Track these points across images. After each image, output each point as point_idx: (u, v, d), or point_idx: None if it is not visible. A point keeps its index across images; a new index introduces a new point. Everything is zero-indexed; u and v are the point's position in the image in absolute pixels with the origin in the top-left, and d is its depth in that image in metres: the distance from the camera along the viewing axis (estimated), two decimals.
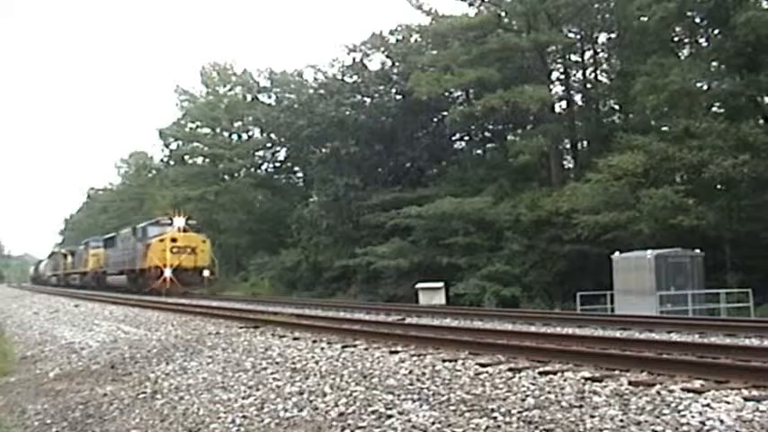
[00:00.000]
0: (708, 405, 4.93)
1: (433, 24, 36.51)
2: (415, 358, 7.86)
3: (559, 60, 35.22)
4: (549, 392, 5.73)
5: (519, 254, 28.11)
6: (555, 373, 6.45)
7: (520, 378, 6.39)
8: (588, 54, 35.44)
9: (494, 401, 5.61)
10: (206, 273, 30.52)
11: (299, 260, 40.01)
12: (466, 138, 41.15)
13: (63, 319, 19.47)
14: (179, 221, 31.65)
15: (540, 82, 31.71)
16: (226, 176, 52.81)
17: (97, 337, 13.65)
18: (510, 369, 6.80)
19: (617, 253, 21.60)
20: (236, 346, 10.22)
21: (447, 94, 37.14)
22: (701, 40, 29.61)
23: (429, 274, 28.06)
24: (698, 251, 21.37)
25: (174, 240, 30.49)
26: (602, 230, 24.47)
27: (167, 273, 29.13)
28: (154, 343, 11.65)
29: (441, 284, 24.07)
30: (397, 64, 41.11)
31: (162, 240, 30.36)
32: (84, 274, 45.39)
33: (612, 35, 33.82)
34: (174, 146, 57.41)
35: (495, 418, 5.17)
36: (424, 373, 6.90)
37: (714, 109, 27.37)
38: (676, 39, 29.58)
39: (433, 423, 5.19)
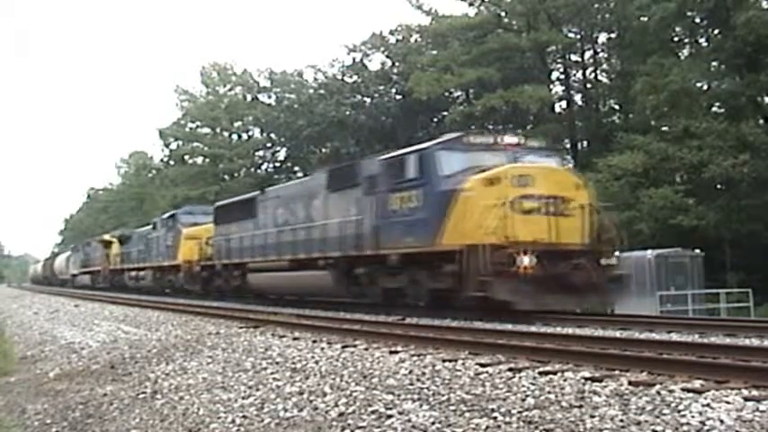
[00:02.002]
0: (708, 405, 4.92)
1: (433, 24, 36.55)
2: (415, 358, 7.86)
3: (559, 60, 35.26)
4: (549, 392, 5.73)
5: None
6: (555, 373, 6.44)
7: (520, 378, 6.39)
8: (588, 54, 35.49)
9: (494, 401, 5.61)
10: (612, 261, 13.27)
11: None
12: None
13: (63, 319, 19.48)
14: (511, 139, 14.23)
15: (540, 82, 31.76)
16: (226, 176, 52.82)
17: (97, 337, 13.66)
18: (510, 369, 6.80)
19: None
20: (236, 346, 10.22)
21: (447, 94, 37.18)
22: (701, 40, 29.65)
23: None
24: (698, 251, 21.36)
25: (522, 182, 12.74)
26: None
27: (525, 260, 11.94)
28: (154, 343, 11.65)
29: None
30: (397, 64, 41.15)
31: (497, 183, 12.60)
32: (165, 270, 28.69)
33: (612, 35, 33.86)
34: (174, 146, 57.45)
35: (495, 418, 5.17)
36: (424, 373, 6.90)
37: (714, 109, 27.39)
38: (676, 39, 29.62)
39: (433, 423, 5.19)
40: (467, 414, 5.34)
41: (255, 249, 20.24)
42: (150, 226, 32.54)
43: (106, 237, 40.91)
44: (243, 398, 6.83)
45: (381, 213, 14.56)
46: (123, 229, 44.13)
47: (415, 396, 6.04)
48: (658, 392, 5.42)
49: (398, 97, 41.39)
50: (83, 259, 46.05)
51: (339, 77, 44.39)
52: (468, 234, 12.37)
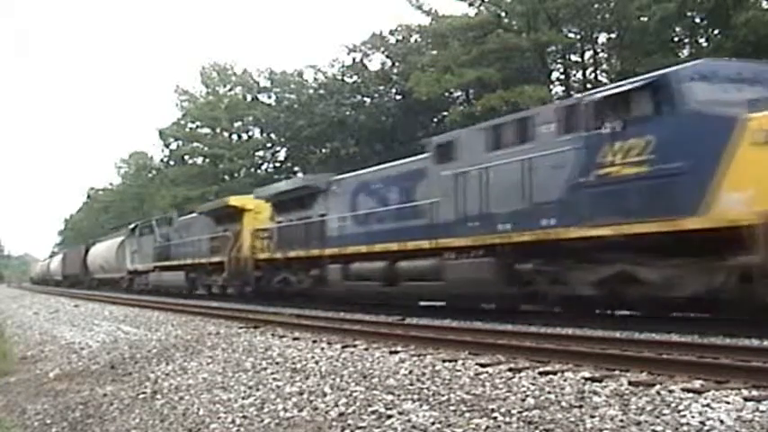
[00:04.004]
0: (708, 405, 4.93)
1: (433, 24, 36.52)
2: (415, 358, 7.86)
3: (559, 60, 35.25)
4: (549, 392, 5.73)
5: None
6: (555, 373, 6.45)
7: (520, 378, 6.39)
8: (588, 54, 35.46)
9: (494, 401, 5.61)
10: None
11: None
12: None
13: (63, 319, 19.47)
14: None
15: (540, 82, 31.74)
16: (226, 176, 52.82)
17: (97, 338, 13.66)
18: (510, 369, 6.81)
19: None
20: (236, 346, 10.22)
21: (447, 94, 37.14)
22: (701, 40, 29.63)
23: None
24: None
25: None
26: None
27: None
28: (154, 343, 11.65)
29: None
30: (397, 64, 41.12)
31: None
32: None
33: (612, 35, 33.83)
34: (174, 146, 57.46)
35: (495, 418, 5.17)
36: (424, 374, 6.90)
37: None
38: (676, 39, 29.60)
39: (433, 423, 5.19)
40: (467, 414, 5.34)
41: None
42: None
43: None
44: (243, 398, 6.83)
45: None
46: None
47: (415, 396, 6.04)
48: (658, 392, 5.42)
49: (398, 97, 41.36)
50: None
51: (339, 77, 44.36)
52: None
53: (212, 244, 24.35)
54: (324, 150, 44.32)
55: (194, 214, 27.51)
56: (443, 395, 5.95)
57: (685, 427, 4.56)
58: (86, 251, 46.17)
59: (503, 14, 33.77)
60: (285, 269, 19.31)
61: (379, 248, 15.10)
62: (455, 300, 14.27)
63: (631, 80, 10.48)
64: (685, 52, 29.61)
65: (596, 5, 32.45)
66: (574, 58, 35.30)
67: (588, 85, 35.01)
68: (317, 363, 8.15)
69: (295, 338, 10.57)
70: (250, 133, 55.35)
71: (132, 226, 34.96)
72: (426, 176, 14.07)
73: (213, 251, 24.20)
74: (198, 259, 25.42)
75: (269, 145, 53.32)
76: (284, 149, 51.81)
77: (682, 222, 8.85)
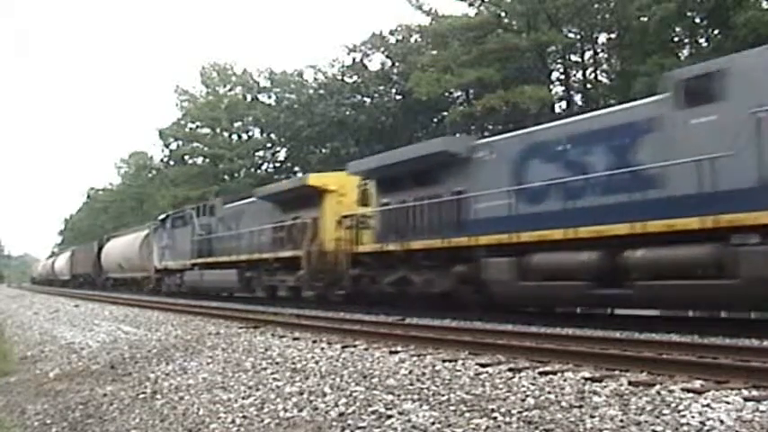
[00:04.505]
0: (708, 405, 4.93)
1: (433, 24, 36.52)
2: (415, 358, 7.86)
3: (559, 60, 35.23)
4: (549, 392, 5.73)
5: None
6: (555, 373, 6.45)
7: (520, 378, 6.39)
8: (588, 54, 35.46)
9: (494, 401, 5.61)
10: None
11: None
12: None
13: (63, 319, 19.47)
14: None
15: (540, 82, 31.73)
16: (226, 176, 52.81)
17: (97, 338, 13.66)
18: (510, 369, 6.81)
19: None
20: (236, 346, 10.22)
21: (447, 94, 37.15)
22: (701, 40, 29.62)
23: None
24: None
25: None
26: None
27: None
28: (154, 343, 11.65)
29: None
30: (397, 64, 41.12)
31: None
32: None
33: (612, 35, 33.83)
34: (174, 146, 57.46)
35: (495, 418, 5.17)
36: (424, 374, 6.90)
37: None
38: (676, 39, 29.59)
39: (433, 423, 5.19)
40: (467, 414, 5.34)
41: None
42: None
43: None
44: (243, 398, 6.83)
45: None
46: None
47: (415, 396, 6.04)
48: (658, 392, 5.42)
49: (398, 97, 41.36)
50: (197, 240, 25.16)
51: (339, 77, 44.38)
52: None
53: (277, 235, 19.98)
54: (324, 150, 44.30)
55: (247, 200, 22.89)
56: (443, 395, 5.95)
57: (685, 427, 4.56)
58: (100, 248, 41.79)
59: (503, 14, 33.76)
60: (403, 265, 14.83)
61: (588, 232, 10.79)
62: (753, 307, 10.58)
63: None
64: (685, 52, 29.61)
65: (596, 5, 32.45)
66: (574, 58, 35.31)
67: (588, 86, 35.07)
68: (316, 363, 8.15)
69: (295, 338, 10.58)
70: (250, 133, 55.37)
71: (162, 216, 29.97)
72: (665, 127, 10.17)
73: (280, 244, 19.62)
74: (257, 254, 20.58)
75: (269, 145, 53.33)
76: (284, 149, 51.83)
77: None
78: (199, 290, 25.02)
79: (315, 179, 18.87)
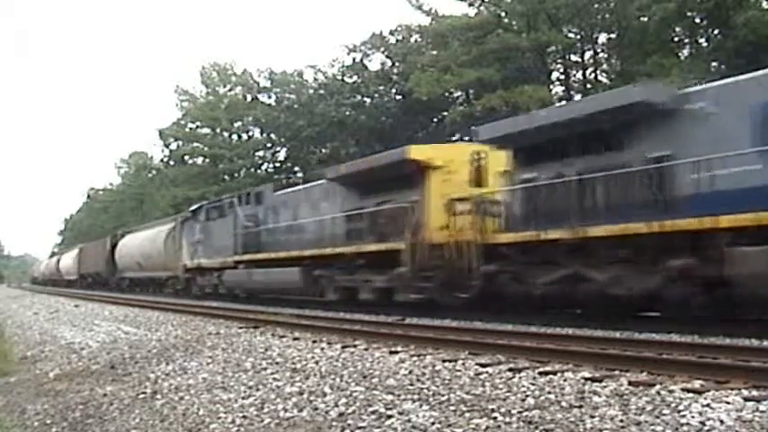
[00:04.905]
0: (708, 405, 4.92)
1: (433, 24, 36.54)
2: (414, 358, 7.86)
3: (559, 60, 35.27)
4: (549, 392, 5.73)
5: None
6: (555, 373, 6.45)
7: (520, 378, 6.39)
8: (588, 54, 35.49)
9: (494, 401, 5.61)
10: None
11: None
12: (466, 138, 41.19)
13: (63, 319, 19.47)
14: None
15: (540, 82, 31.75)
16: (226, 176, 52.82)
17: (97, 338, 13.66)
18: (510, 369, 6.80)
19: None
20: (236, 346, 10.22)
21: (447, 94, 37.16)
22: (701, 40, 29.64)
23: None
24: None
25: None
26: None
27: None
28: (154, 343, 11.65)
29: None
30: (397, 64, 41.15)
31: None
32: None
33: (612, 35, 33.86)
34: (174, 146, 57.48)
35: (495, 418, 5.17)
36: (423, 374, 6.90)
37: None
38: (676, 39, 29.61)
39: (433, 423, 5.19)
40: (467, 414, 5.34)
41: None
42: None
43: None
44: (243, 398, 6.83)
45: None
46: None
47: (415, 396, 6.03)
48: (658, 392, 5.42)
49: (398, 97, 41.39)
50: (241, 233, 21.50)
51: (339, 77, 44.40)
52: None
53: (354, 225, 16.45)
54: (324, 150, 44.33)
55: (308, 185, 19.90)
56: (443, 395, 5.95)
57: (685, 427, 4.56)
58: (114, 245, 37.98)
59: (503, 14, 33.78)
60: (571, 259, 11.34)
61: None
62: None
63: None
64: (685, 52, 29.63)
65: (596, 5, 32.47)
66: (574, 58, 35.34)
67: (588, 86, 35.07)
68: (317, 363, 8.15)
69: (295, 338, 10.57)
70: (250, 133, 55.38)
71: (194, 207, 26.21)
72: None
73: (357, 235, 16.19)
74: (330, 249, 16.84)
75: (269, 145, 53.34)
76: (284, 149, 51.84)
77: None
78: (245, 291, 21.85)
79: (418, 152, 14.94)
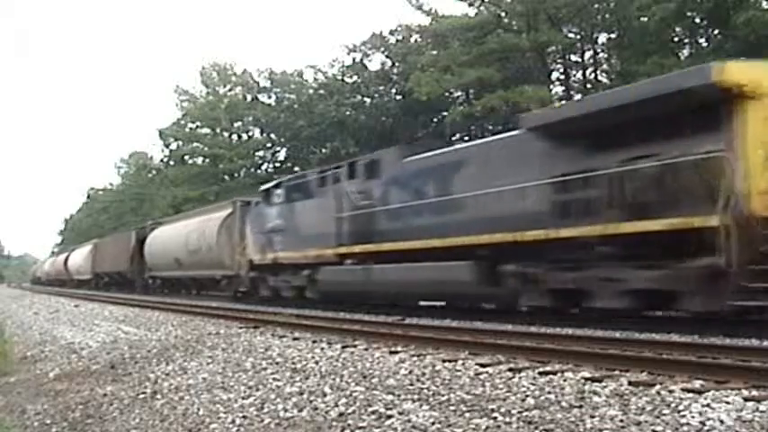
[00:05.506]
0: (708, 405, 4.93)
1: (433, 24, 36.52)
2: (414, 358, 7.86)
3: (559, 60, 35.26)
4: (549, 392, 5.73)
5: None
6: (555, 373, 6.45)
7: (520, 378, 6.39)
8: (588, 54, 35.49)
9: (494, 401, 5.61)
10: None
11: None
12: (466, 138, 41.25)
13: (63, 319, 19.47)
14: None
15: (540, 82, 31.73)
16: (226, 177, 52.79)
17: (97, 338, 13.65)
18: (510, 369, 6.80)
19: None
20: (236, 346, 10.22)
21: (447, 94, 37.15)
22: (701, 40, 29.63)
23: None
24: None
25: None
26: None
27: None
28: (154, 343, 11.65)
29: None
30: (397, 64, 41.16)
31: None
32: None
33: (612, 35, 33.86)
34: (173, 146, 57.44)
35: (495, 418, 5.17)
36: (424, 374, 6.90)
37: None
38: (676, 39, 29.61)
39: (433, 423, 5.19)
40: (467, 414, 5.34)
41: None
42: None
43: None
44: (243, 398, 6.83)
45: None
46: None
47: (415, 396, 6.03)
48: (658, 392, 5.42)
49: (398, 97, 41.39)
50: (346, 216, 16.11)
51: (339, 77, 44.41)
52: None
53: (585, 194, 10.58)
54: (324, 150, 44.32)
55: (476, 142, 16.17)
56: (443, 395, 5.95)
57: (685, 427, 4.56)
58: (142, 239, 31.78)
59: (503, 14, 33.76)
60: None
61: None
62: None
63: None
64: (685, 52, 29.62)
65: (596, 5, 32.47)
66: (574, 58, 35.33)
67: (588, 86, 35.06)
68: (317, 363, 8.14)
69: (295, 338, 10.57)
70: (250, 133, 55.35)
71: (267, 186, 20.51)
72: None
73: (597, 209, 10.26)
74: (533, 232, 11.12)
75: (269, 145, 53.31)
76: (284, 149, 51.82)
77: None
78: (355, 297, 16.31)
79: (736, 71, 9.01)
